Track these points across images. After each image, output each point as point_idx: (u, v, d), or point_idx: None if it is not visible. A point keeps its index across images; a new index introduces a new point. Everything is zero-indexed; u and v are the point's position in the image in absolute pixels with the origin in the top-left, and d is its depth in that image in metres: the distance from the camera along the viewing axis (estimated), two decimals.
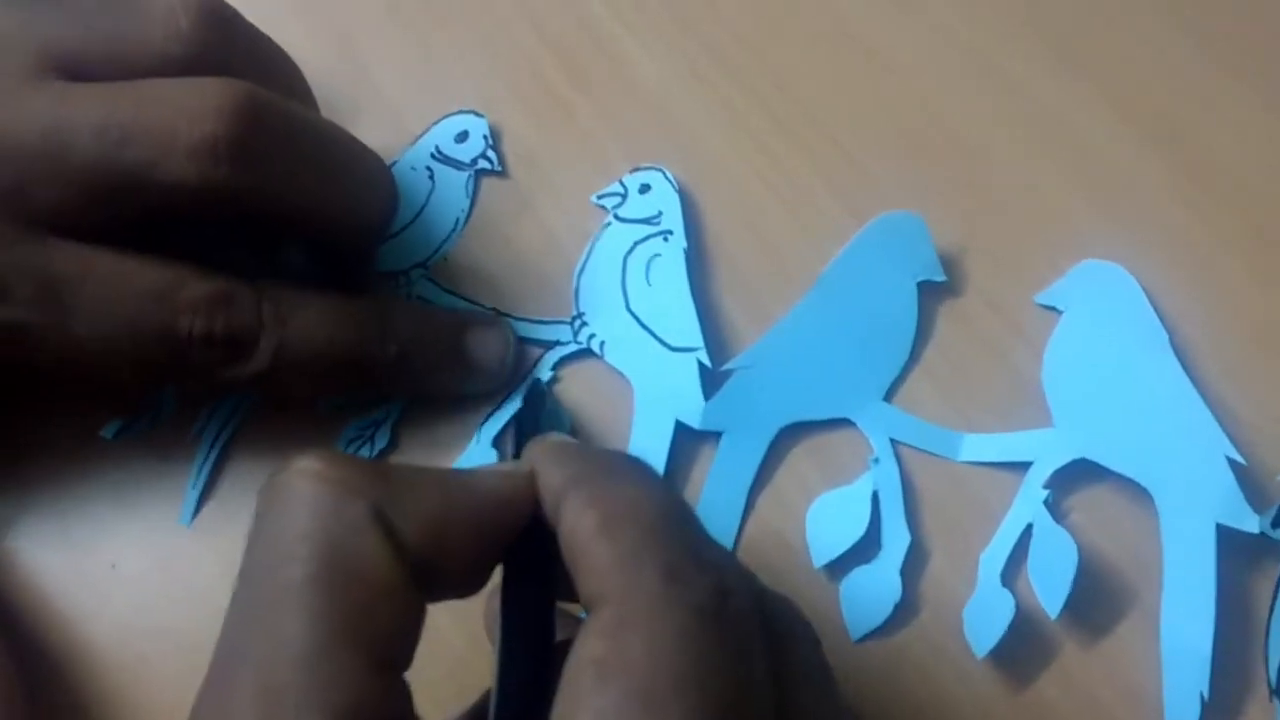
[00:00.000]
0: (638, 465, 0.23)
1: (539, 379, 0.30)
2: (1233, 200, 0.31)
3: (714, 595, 0.19)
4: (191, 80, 0.27)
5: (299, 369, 0.28)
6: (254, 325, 0.27)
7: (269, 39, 0.30)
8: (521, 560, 0.22)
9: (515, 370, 0.31)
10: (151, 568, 0.29)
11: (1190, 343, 0.29)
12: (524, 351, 0.31)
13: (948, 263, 0.31)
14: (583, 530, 0.20)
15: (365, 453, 0.30)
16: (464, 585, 0.22)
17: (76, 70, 0.27)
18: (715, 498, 0.29)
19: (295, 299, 0.28)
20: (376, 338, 0.29)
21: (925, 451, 0.29)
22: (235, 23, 0.29)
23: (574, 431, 0.30)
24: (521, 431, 0.27)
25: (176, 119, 0.26)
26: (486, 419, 0.30)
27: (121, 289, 0.27)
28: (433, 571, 0.20)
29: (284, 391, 0.29)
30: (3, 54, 0.27)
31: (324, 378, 0.29)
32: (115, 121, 0.26)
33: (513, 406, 0.30)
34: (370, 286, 0.32)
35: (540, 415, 0.28)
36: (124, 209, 0.27)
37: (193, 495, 0.30)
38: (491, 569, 0.22)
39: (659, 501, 0.21)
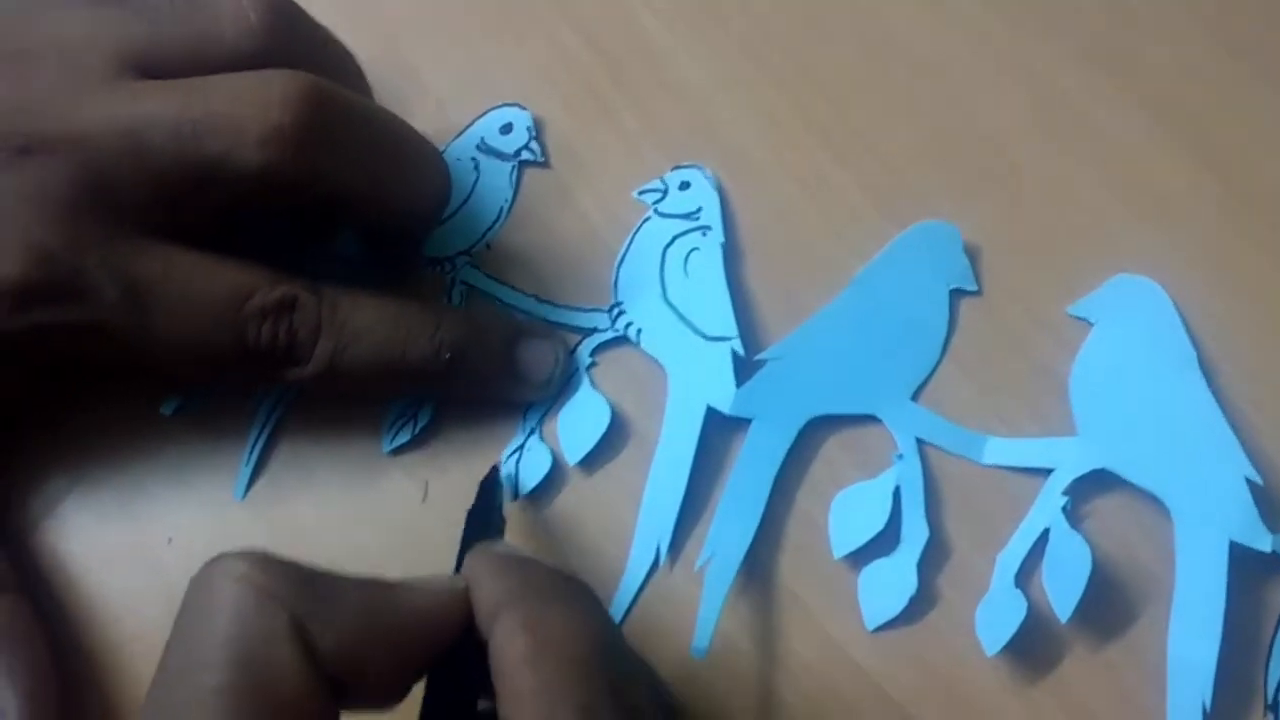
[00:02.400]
0: (575, 588, 0.23)
1: (495, 468, 0.30)
2: (1269, 210, 0.31)
3: None
4: (258, 73, 0.28)
5: (352, 372, 0.29)
6: (313, 332, 0.29)
7: (330, 33, 0.31)
8: (449, 670, 0.22)
9: (562, 383, 0.31)
10: (206, 542, 0.30)
11: (1217, 358, 0.29)
12: (572, 364, 0.32)
13: (980, 263, 0.31)
14: (510, 655, 0.21)
15: (408, 431, 0.31)
16: (382, 699, 0.22)
17: (151, 69, 0.28)
18: (742, 482, 0.30)
19: (352, 303, 0.29)
20: (429, 344, 0.30)
21: (950, 453, 0.30)
22: (300, 17, 0.30)
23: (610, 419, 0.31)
24: (471, 527, 0.28)
25: (246, 111, 0.27)
26: (530, 406, 0.32)
27: (198, 295, 0.28)
28: (348, 686, 0.21)
29: (337, 392, 0.30)
30: (81, 56, 0.28)
31: (376, 381, 0.30)
32: (189, 117, 0.27)
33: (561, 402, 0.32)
34: (420, 272, 0.33)
35: (493, 508, 0.29)
36: (201, 203, 0.28)
37: (246, 471, 0.31)
38: (412, 683, 0.23)
39: (590, 633, 0.21)
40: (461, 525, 0.28)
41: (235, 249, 0.29)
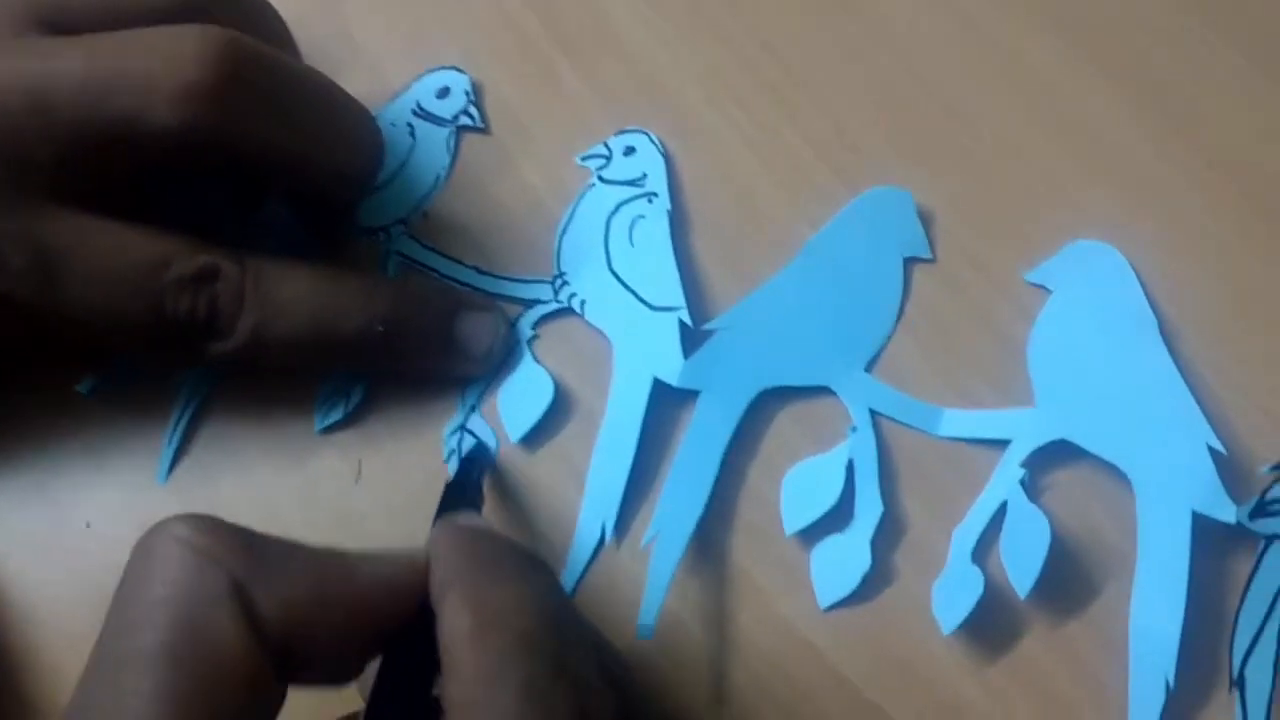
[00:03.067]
0: (526, 562, 0.22)
1: (484, 444, 0.29)
2: (1227, 169, 0.30)
3: (572, 717, 0.20)
4: (172, 28, 0.26)
5: (278, 346, 0.28)
6: (236, 303, 0.27)
7: None
8: (405, 646, 0.22)
9: (504, 355, 0.30)
10: (127, 526, 0.28)
11: (1179, 323, 0.28)
12: (514, 337, 0.30)
13: (936, 229, 0.30)
14: (455, 633, 0.20)
15: (340, 408, 0.30)
16: (333, 674, 0.22)
17: (62, 24, 0.27)
18: (690, 456, 0.29)
19: (280, 274, 0.28)
20: (361, 317, 0.28)
21: (905, 425, 0.29)
22: None
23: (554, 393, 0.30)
24: (447, 500, 0.26)
25: (158, 66, 0.26)
26: (470, 382, 0.30)
27: (112, 264, 0.26)
28: (295, 656, 0.20)
29: (264, 366, 0.29)
30: None
31: (304, 355, 0.28)
32: (97, 73, 0.25)
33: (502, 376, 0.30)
34: (353, 242, 0.32)
35: (471, 483, 0.28)
36: (115, 166, 0.26)
37: (168, 452, 0.30)
38: (365, 660, 0.22)
39: (537, 607, 0.21)
40: (396, 507, 0.26)
41: (158, 217, 0.27)
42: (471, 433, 0.30)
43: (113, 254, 0.27)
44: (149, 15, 0.27)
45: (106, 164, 0.26)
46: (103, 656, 0.20)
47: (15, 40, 0.26)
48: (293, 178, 0.30)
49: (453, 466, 0.30)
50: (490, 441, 0.30)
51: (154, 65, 0.26)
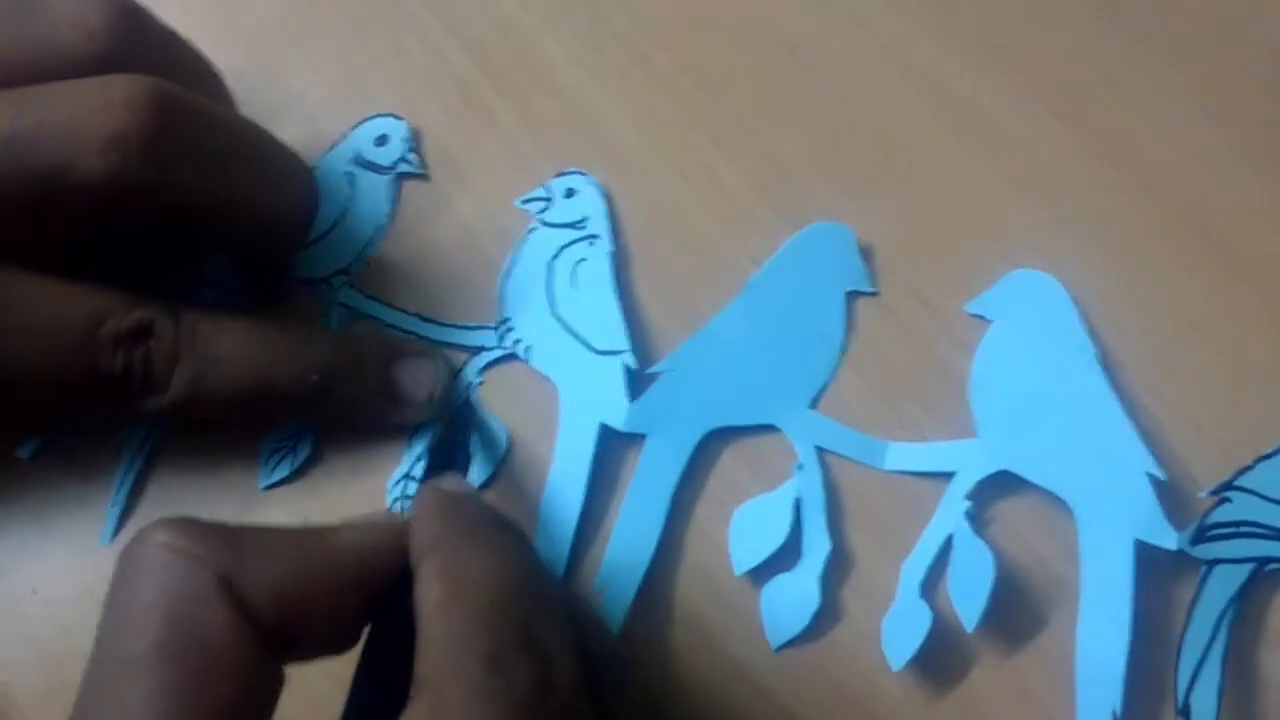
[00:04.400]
0: (499, 529, 0.23)
1: (470, 405, 0.30)
2: (1166, 199, 0.30)
3: (535, 687, 0.20)
4: (99, 79, 0.26)
5: (214, 400, 0.28)
6: (171, 358, 0.27)
7: (180, 37, 0.30)
8: (389, 613, 0.22)
9: (447, 403, 0.30)
10: (73, 592, 0.29)
11: (1119, 349, 0.28)
12: (458, 383, 0.30)
13: (877, 262, 0.30)
14: (425, 603, 0.20)
15: (286, 465, 0.30)
16: (331, 644, 0.22)
17: None
18: (639, 500, 0.29)
19: (215, 327, 0.28)
20: (297, 367, 0.28)
21: (851, 460, 0.29)
22: (147, 21, 0.29)
23: (508, 441, 0.30)
24: (433, 463, 0.27)
25: (85, 117, 0.25)
26: (416, 431, 0.30)
27: (45, 322, 0.26)
28: (291, 636, 0.20)
29: (201, 420, 0.29)
30: None
31: (241, 408, 0.28)
32: (23, 128, 0.25)
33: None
34: (294, 294, 0.31)
35: (461, 443, 0.28)
36: (45, 221, 0.26)
37: (113, 514, 0.30)
38: (362, 624, 0.22)
39: (506, 576, 0.21)
40: None
41: (92, 272, 0.27)
42: (416, 481, 0.30)
43: (47, 312, 0.26)
44: (76, 68, 0.27)
45: (36, 219, 0.26)
46: (98, 667, 0.20)
47: None
48: (227, 228, 0.29)
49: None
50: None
51: (81, 116, 0.25)
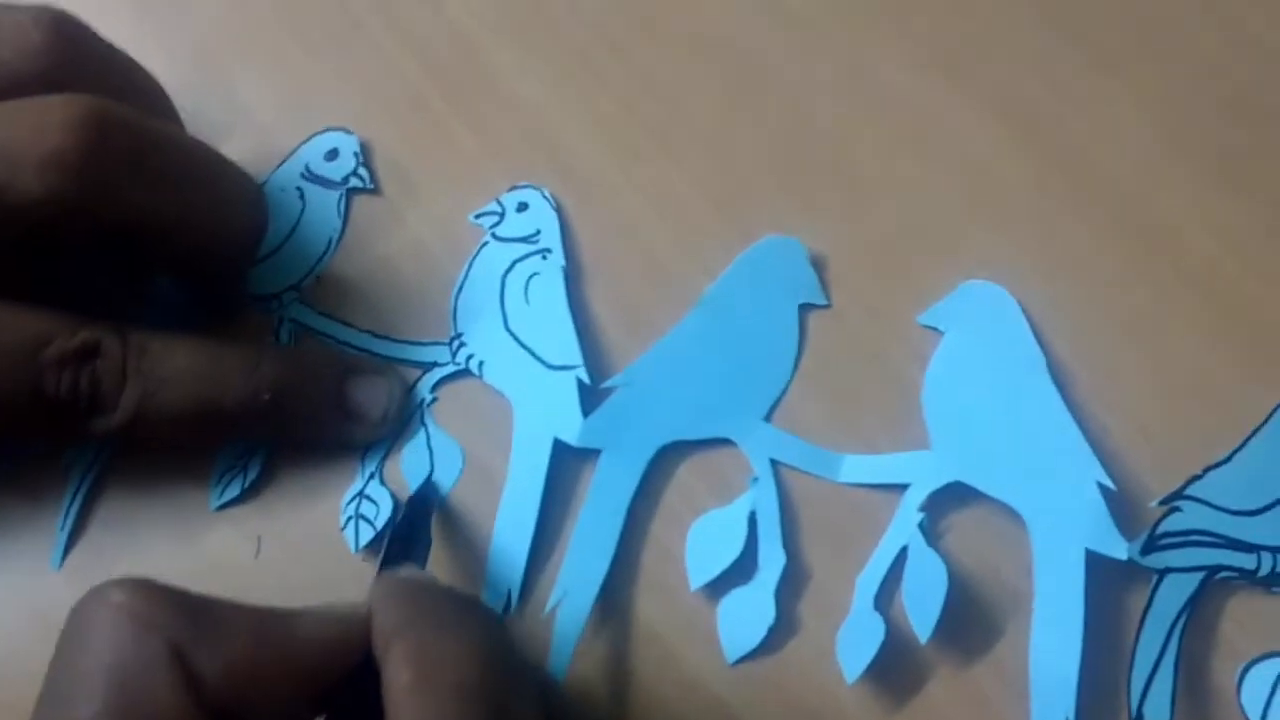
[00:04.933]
0: (470, 613, 0.22)
1: (434, 484, 0.29)
2: (1115, 209, 0.30)
3: None
4: (37, 99, 0.26)
5: (163, 421, 0.27)
6: (118, 378, 0.27)
7: (125, 54, 0.29)
8: (351, 702, 0.22)
9: (401, 420, 0.30)
10: (21, 617, 0.28)
11: (1070, 360, 0.28)
12: (411, 399, 0.30)
13: (828, 273, 0.30)
14: (397, 687, 0.20)
15: (238, 484, 0.30)
16: None
17: None
18: (593, 516, 0.29)
19: (162, 347, 0.27)
20: (247, 386, 0.28)
21: (806, 473, 0.29)
22: (89, 37, 0.28)
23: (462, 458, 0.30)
24: (392, 549, 0.26)
25: (23, 136, 0.25)
26: (369, 448, 0.30)
27: None
28: (240, 717, 0.20)
29: (151, 442, 0.29)
30: None
31: (190, 428, 0.28)
32: None
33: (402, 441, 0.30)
34: (245, 310, 0.31)
35: (418, 530, 0.27)
36: None
37: (62, 537, 0.30)
38: (315, 714, 0.22)
39: (478, 656, 0.21)
40: (296, 581, 0.26)
41: (36, 293, 0.27)
42: (370, 499, 0.29)
43: None
44: (17, 86, 0.26)
45: None
46: None
47: None
48: (173, 247, 0.29)
49: (350, 534, 0.29)
50: (388, 507, 0.29)
51: (18, 135, 0.25)
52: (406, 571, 0.25)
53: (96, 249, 0.28)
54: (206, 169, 0.29)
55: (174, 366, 0.27)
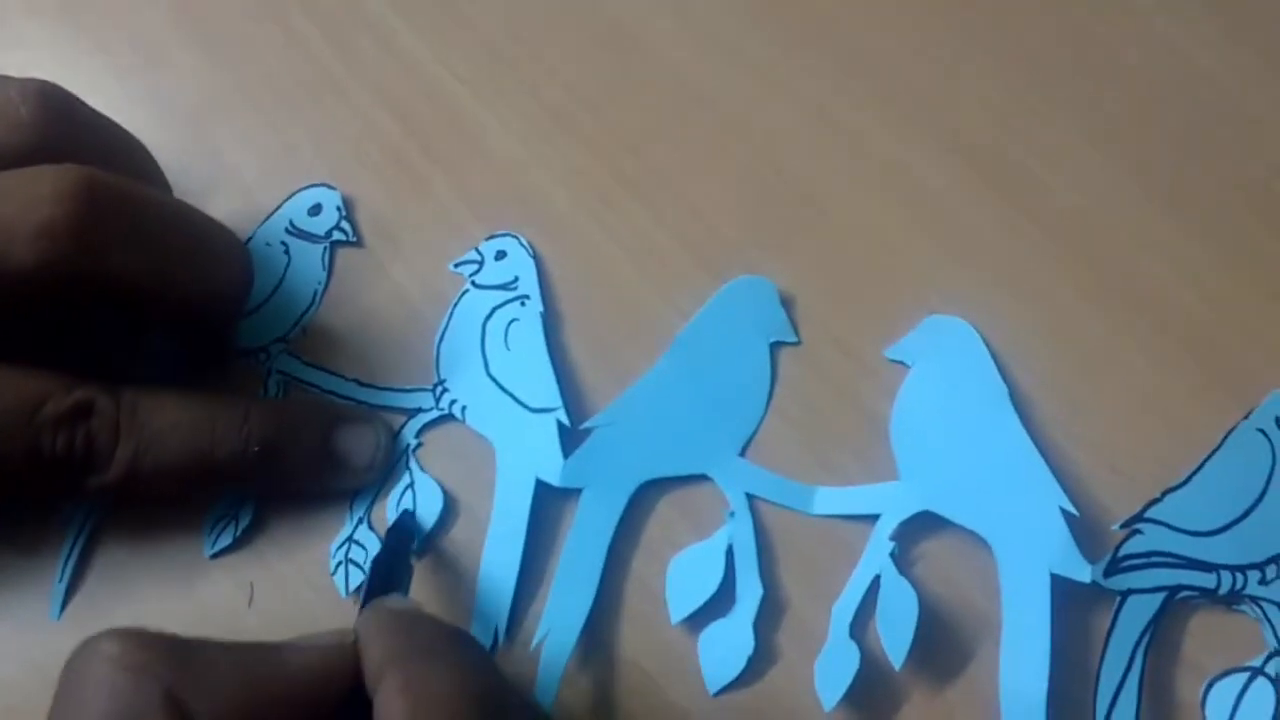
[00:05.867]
0: (460, 644, 0.23)
1: (410, 514, 0.30)
2: (1073, 243, 0.31)
3: None
4: (28, 170, 0.27)
5: (156, 476, 0.28)
6: (111, 436, 0.27)
7: (112, 122, 0.30)
8: None
9: (388, 465, 0.31)
10: (22, 667, 0.29)
11: (1030, 389, 0.30)
12: (396, 446, 0.31)
13: (798, 311, 0.31)
14: (390, 718, 0.21)
15: (229, 533, 0.30)
16: None
17: None
18: (576, 553, 0.30)
19: (154, 403, 0.28)
20: (237, 439, 0.29)
21: (780, 506, 0.30)
22: (75, 108, 0.29)
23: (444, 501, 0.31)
24: (375, 578, 0.27)
25: (13, 209, 0.26)
26: (357, 494, 0.31)
27: None
28: None
29: (144, 496, 0.29)
30: None
31: (182, 482, 0.29)
32: None
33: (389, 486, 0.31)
34: (233, 363, 0.32)
35: (399, 557, 0.28)
36: None
37: (60, 590, 0.30)
38: None
39: (470, 690, 0.21)
40: (288, 626, 0.27)
41: (29, 354, 0.28)
42: (359, 544, 0.30)
43: None
44: (7, 158, 0.27)
45: None
46: None
47: None
48: (163, 306, 0.30)
49: (339, 580, 0.30)
50: (375, 549, 0.30)
51: (9, 209, 0.26)
52: (394, 601, 0.25)
53: (88, 310, 0.29)
54: (193, 230, 0.30)
55: (165, 422, 0.28)
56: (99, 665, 0.21)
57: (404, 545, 0.29)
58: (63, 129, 0.28)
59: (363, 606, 0.26)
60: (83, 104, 0.29)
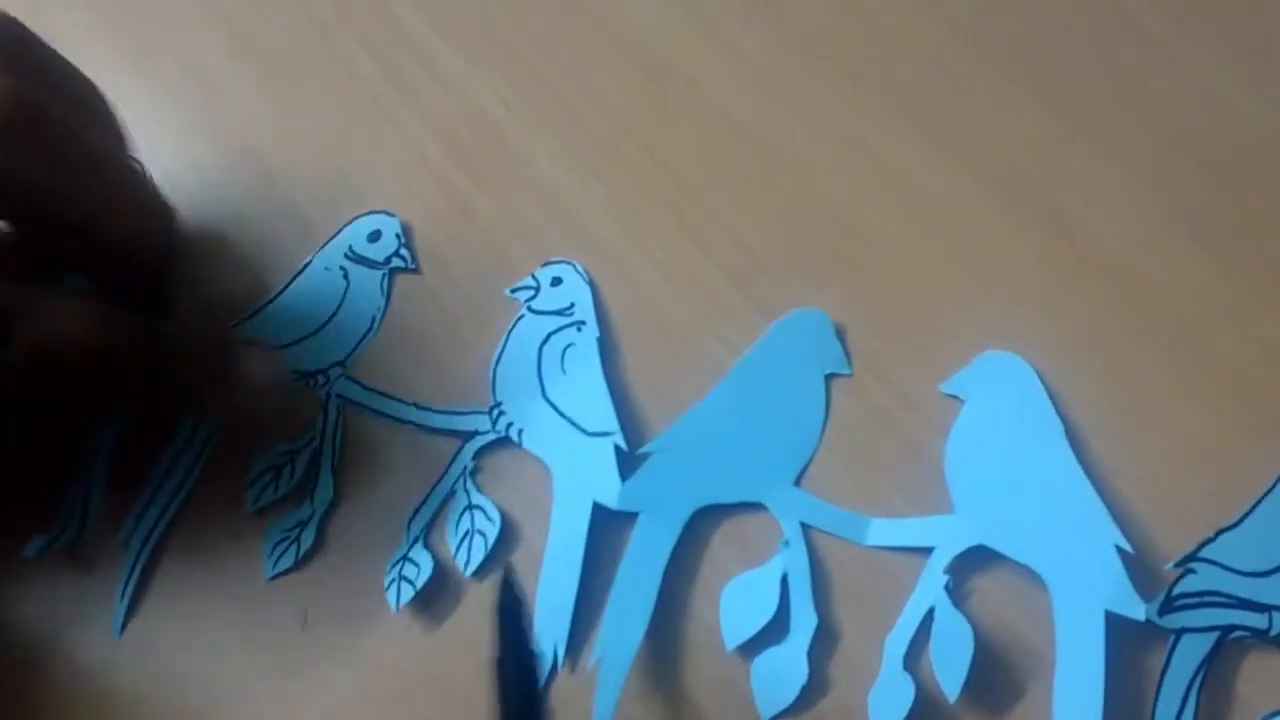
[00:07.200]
0: None
1: (508, 565, 0.30)
2: (1107, 272, 0.31)
3: None
4: None
5: (59, 357, 0.28)
6: (10, 307, 0.28)
7: (63, 58, 0.31)
8: None
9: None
10: (83, 684, 0.29)
11: (1083, 427, 0.30)
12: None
13: (851, 346, 0.32)
14: None
15: (291, 554, 0.31)
16: None
17: None
18: (631, 577, 0.30)
19: (54, 294, 0.29)
20: (139, 327, 0.29)
21: (833, 536, 0.30)
22: (29, 40, 0.30)
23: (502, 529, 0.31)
24: (506, 631, 0.27)
25: None
26: (415, 514, 0.31)
27: None
28: None
29: (47, 384, 0.29)
30: None
31: (84, 366, 0.29)
32: None
33: (436, 499, 0.31)
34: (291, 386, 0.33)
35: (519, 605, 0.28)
36: None
37: (120, 609, 0.31)
38: None
39: None
40: (341, 648, 0.27)
41: None
42: (414, 562, 0.31)
43: None
44: None
45: None
46: None
47: None
48: (73, 241, 0.30)
49: (391, 596, 0.30)
50: (428, 569, 0.30)
51: None
52: None
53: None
54: (111, 166, 0.31)
55: (64, 308, 0.29)
56: None
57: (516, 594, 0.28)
58: (13, 57, 0.29)
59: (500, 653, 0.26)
60: (41, 42, 0.30)
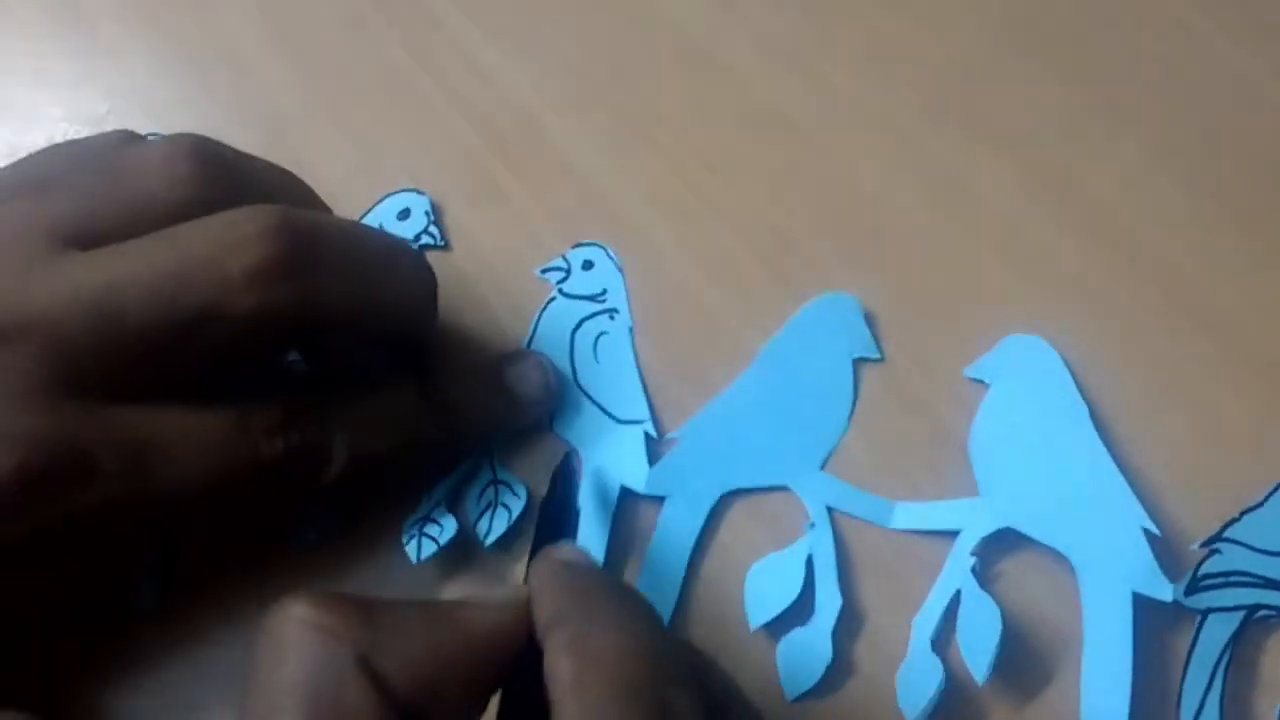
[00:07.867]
0: (627, 601, 0.23)
1: (572, 454, 0.31)
2: (1136, 256, 0.32)
3: None
4: (218, 216, 0.27)
5: (373, 460, 0.29)
6: (322, 430, 0.28)
7: (262, 160, 0.30)
8: (520, 686, 0.22)
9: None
10: None
11: (1109, 410, 0.30)
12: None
13: (876, 329, 0.32)
14: (557, 679, 0.21)
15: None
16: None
17: (91, 241, 0.26)
18: (659, 559, 0.30)
19: (345, 400, 0.29)
20: (428, 407, 0.30)
21: (859, 519, 0.30)
22: (228, 155, 0.29)
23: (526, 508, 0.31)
24: (544, 523, 0.28)
25: (224, 253, 0.26)
26: (437, 483, 0.31)
27: (201, 436, 0.26)
28: (424, 714, 0.21)
29: (369, 485, 0.30)
30: (15, 242, 0.26)
31: (396, 459, 0.29)
32: (163, 274, 0.25)
33: (458, 475, 0.31)
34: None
35: (567, 501, 0.28)
36: (185, 358, 0.26)
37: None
38: (487, 699, 0.23)
39: (639, 652, 0.21)
40: None
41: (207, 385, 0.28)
42: (435, 521, 0.31)
43: (195, 428, 0.27)
44: (177, 215, 0.27)
45: (181, 356, 0.26)
46: None
47: (55, 259, 0.26)
48: (365, 327, 0.30)
49: (412, 549, 0.30)
50: (451, 529, 0.30)
51: (219, 253, 0.26)
52: (564, 551, 0.25)
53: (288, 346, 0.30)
54: (379, 249, 0.30)
55: (365, 411, 0.29)
56: (292, 629, 0.21)
57: (570, 489, 0.29)
58: (223, 176, 0.28)
59: (532, 554, 0.26)
60: (233, 149, 0.29)
